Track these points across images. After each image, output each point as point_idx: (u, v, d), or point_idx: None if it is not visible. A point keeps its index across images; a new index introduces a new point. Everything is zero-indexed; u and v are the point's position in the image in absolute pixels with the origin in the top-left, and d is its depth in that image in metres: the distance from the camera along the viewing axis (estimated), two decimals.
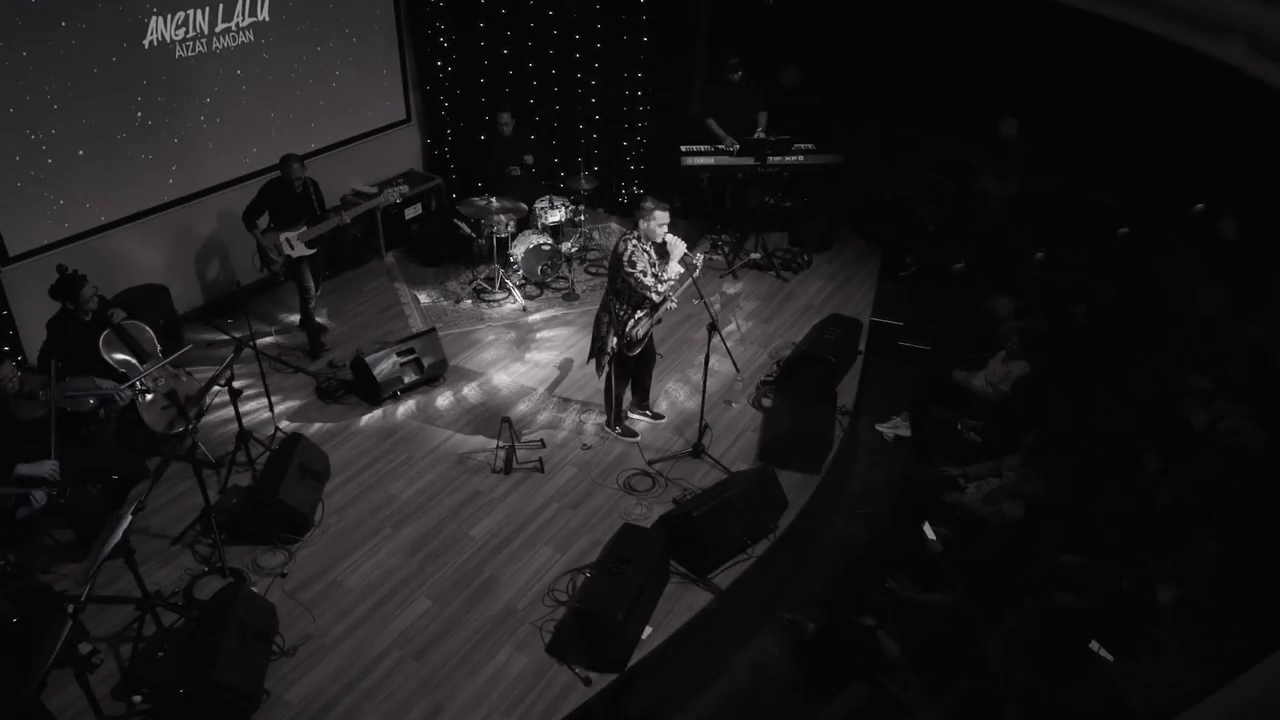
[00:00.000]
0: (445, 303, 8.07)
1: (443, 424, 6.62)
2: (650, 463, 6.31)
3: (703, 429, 6.37)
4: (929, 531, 5.68)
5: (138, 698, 4.59)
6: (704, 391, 6.26)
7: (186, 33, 6.90)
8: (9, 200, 6.24)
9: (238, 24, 7.21)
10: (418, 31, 8.61)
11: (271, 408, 6.36)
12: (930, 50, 8.83)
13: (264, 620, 4.81)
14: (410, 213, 8.83)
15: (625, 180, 9.70)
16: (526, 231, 8.14)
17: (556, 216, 8.12)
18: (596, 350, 6.04)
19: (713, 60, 9.14)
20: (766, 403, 6.88)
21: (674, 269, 5.80)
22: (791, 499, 6.07)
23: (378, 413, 6.69)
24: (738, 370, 6.44)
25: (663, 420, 6.64)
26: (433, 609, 5.22)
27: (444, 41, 8.70)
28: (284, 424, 6.48)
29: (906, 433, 7.24)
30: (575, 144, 9.43)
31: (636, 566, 4.98)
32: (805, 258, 8.91)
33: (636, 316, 5.83)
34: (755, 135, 8.42)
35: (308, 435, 6.38)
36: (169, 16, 6.74)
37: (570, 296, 8.15)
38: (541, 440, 6.42)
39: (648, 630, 5.10)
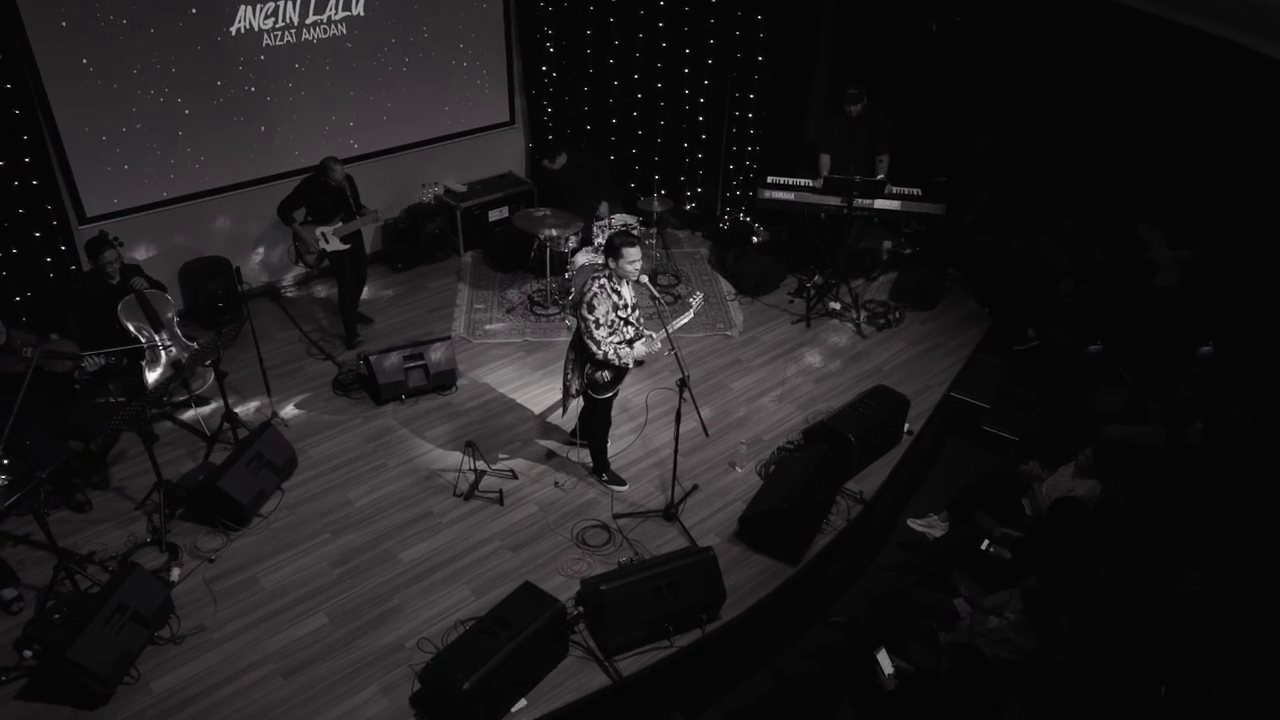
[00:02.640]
0: (496, 311, 7.93)
1: (433, 436, 6.48)
2: (616, 516, 5.82)
3: (675, 490, 5.80)
4: (884, 663, 4.79)
5: (28, 653, 4.80)
6: (675, 451, 5.68)
7: (276, 23, 7.20)
8: (92, 163, 6.77)
9: (329, 17, 7.44)
10: (525, 35, 8.53)
11: (269, 391, 6.51)
12: (1099, 99, 7.58)
13: (150, 604, 4.86)
14: (495, 215, 8.79)
15: (730, 205, 9.14)
16: (586, 249, 7.83)
17: None
18: (564, 389, 5.66)
19: (835, 88, 8.38)
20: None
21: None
22: (750, 588, 5.39)
23: (376, 413, 6.67)
24: (706, 434, 5.78)
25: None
26: (325, 627, 5.08)
27: (550, 47, 8.56)
28: (286, 411, 6.61)
29: (939, 533, 6.23)
30: (679, 163, 9.02)
31: (513, 631, 4.56)
32: (897, 314, 7.95)
33: (617, 351, 5.36)
34: (874, 177, 7.63)
35: (305, 423, 6.50)
36: (258, 6, 7.05)
37: None
38: (513, 471, 6.12)
39: (521, 703, 4.67)
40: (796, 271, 8.43)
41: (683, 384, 5.31)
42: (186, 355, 6.12)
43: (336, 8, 7.44)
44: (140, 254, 7.11)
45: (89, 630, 4.53)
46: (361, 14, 7.58)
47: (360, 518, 5.79)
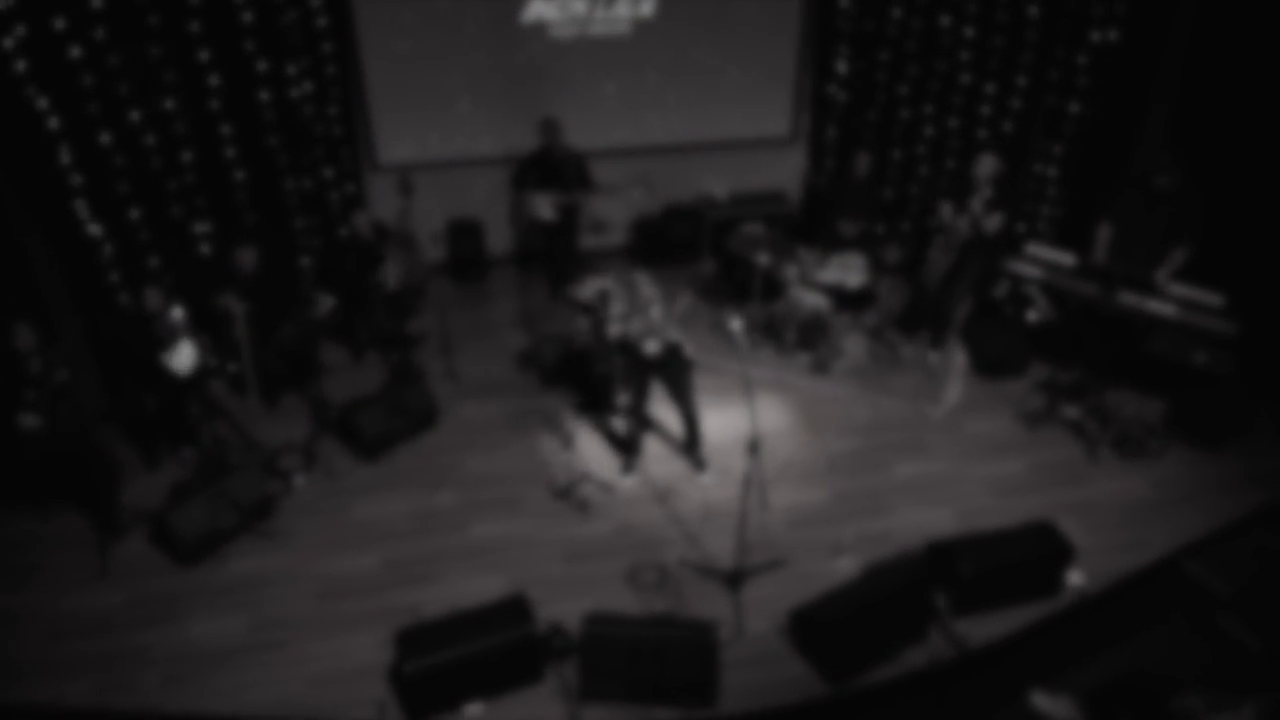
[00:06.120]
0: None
1: (569, 427, 6.54)
2: (682, 563, 5.48)
3: (743, 558, 5.27)
4: None
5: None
6: (744, 521, 5.11)
7: (563, 15, 7.66)
8: (392, 115, 7.79)
9: (617, 15, 7.73)
10: (818, 51, 8.12)
11: (449, 350, 7.05)
12: None
13: (250, 498, 5.62)
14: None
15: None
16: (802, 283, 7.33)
17: (833, 275, 7.14)
18: None
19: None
20: None
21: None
22: (767, 688, 4.78)
23: (538, 393, 6.89)
24: (761, 510, 5.11)
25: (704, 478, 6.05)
26: (371, 570, 5.48)
27: (842, 67, 8.05)
28: (466, 369, 7.09)
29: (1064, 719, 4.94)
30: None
31: (479, 635, 4.56)
32: (1157, 443, 6.34)
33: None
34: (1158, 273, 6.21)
35: (474, 383, 6.96)
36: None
37: (822, 368, 7.12)
38: (609, 485, 6.01)
39: (477, 708, 4.65)
40: (1057, 362, 7.05)
41: (753, 449, 4.80)
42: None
43: (625, 5, 7.70)
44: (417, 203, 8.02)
45: (189, 503, 5.39)
46: (649, 15, 7.77)
47: (460, 481, 6.11)
